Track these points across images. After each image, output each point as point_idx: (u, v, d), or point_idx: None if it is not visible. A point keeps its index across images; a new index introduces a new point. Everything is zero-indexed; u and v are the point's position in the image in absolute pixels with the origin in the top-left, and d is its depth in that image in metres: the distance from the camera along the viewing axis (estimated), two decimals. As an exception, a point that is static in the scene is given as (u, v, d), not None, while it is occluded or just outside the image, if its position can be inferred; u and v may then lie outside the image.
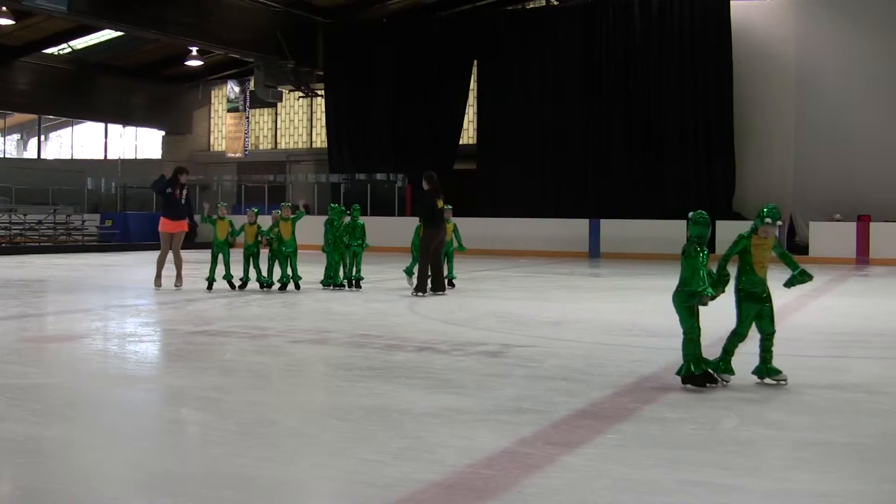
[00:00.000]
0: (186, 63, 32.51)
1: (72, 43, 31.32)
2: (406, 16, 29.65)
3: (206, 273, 12.95)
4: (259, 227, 13.01)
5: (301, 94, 32.03)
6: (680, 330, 6.00)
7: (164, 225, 13.16)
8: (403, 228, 14.31)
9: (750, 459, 4.40)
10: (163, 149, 36.70)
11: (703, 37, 25.02)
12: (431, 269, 12.58)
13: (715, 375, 6.02)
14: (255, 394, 5.96)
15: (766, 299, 6.10)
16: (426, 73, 28.44)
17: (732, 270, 6.08)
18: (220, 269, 13.02)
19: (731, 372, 6.10)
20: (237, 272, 13.10)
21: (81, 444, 4.70)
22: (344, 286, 13.41)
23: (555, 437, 4.77)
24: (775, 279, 6.25)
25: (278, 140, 35.14)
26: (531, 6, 29.32)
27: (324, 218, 13.96)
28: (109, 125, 36.81)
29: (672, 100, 25.32)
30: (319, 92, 31.42)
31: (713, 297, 5.83)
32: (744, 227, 6.44)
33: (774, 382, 6.10)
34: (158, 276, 13.22)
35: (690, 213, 6.08)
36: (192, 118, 36.30)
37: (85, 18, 24.79)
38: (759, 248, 6.04)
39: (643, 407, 5.50)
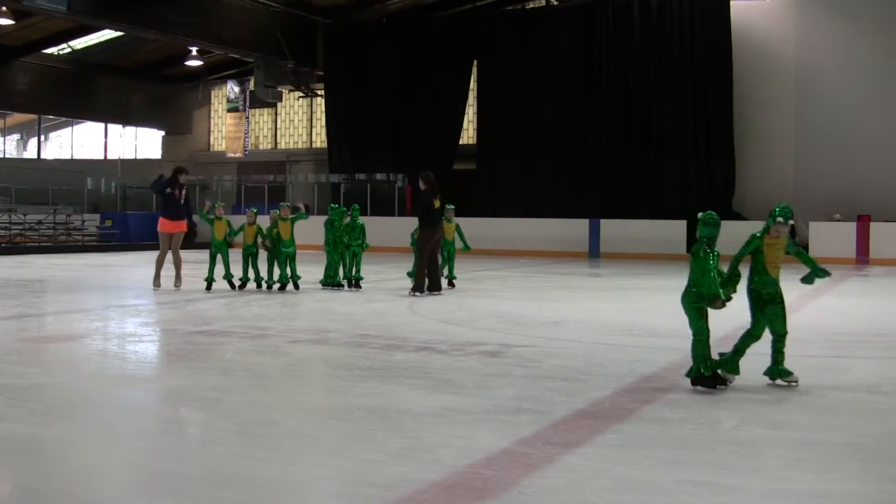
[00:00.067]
0: (186, 63, 32.51)
1: (72, 43, 31.32)
2: (406, 16, 29.65)
3: (206, 273, 12.94)
4: (259, 228, 13.00)
5: (301, 94, 32.03)
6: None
7: (163, 225, 13.15)
8: (403, 228, 14.31)
9: (750, 459, 4.40)
10: (163, 149, 36.70)
11: (703, 37, 25.03)
12: (428, 268, 12.59)
13: (725, 377, 5.98)
14: (255, 394, 5.96)
15: (779, 300, 6.06)
16: (426, 73, 28.44)
17: (744, 271, 6.04)
18: (220, 270, 13.02)
19: (737, 372, 6.06)
20: (237, 272, 13.10)
21: (81, 444, 4.70)
22: (343, 286, 13.41)
23: (554, 437, 4.77)
24: (785, 279, 6.22)
25: (278, 140, 35.14)
26: (531, 6, 29.32)
27: (324, 218, 13.97)
28: (109, 125, 36.81)
29: (672, 100, 25.32)
30: (319, 92, 31.43)
31: (727, 300, 5.79)
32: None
33: (786, 384, 6.06)
34: (157, 277, 13.22)
35: (700, 214, 6.02)
36: (192, 118, 36.30)
37: (84, 18, 24.79)
38: (772, 248, 5.99)
39: (643, 407, 5.50)
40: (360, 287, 13.40)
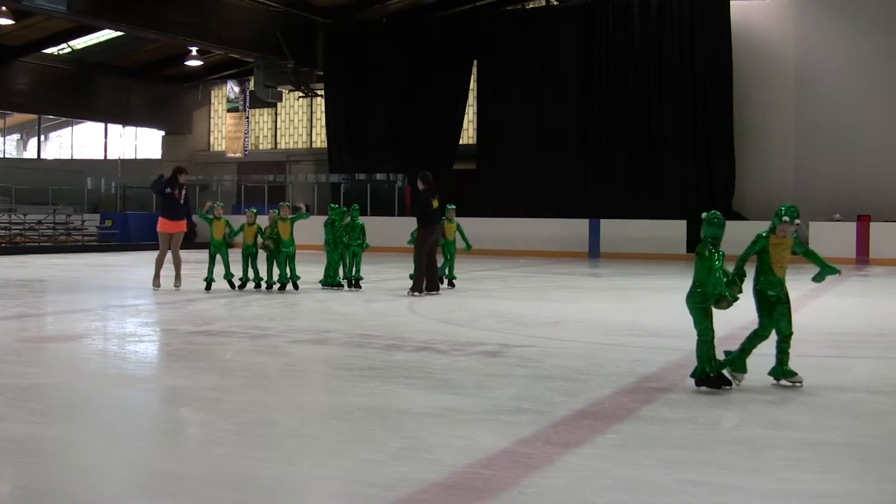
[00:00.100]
0: (186, 63, 32.51)
1: (72, 43, 31.32)
2: (406, 16, 29.65)
3: (206, 273, 12.93)
4: (258, 228, 13.00)
5: (301, 94, 32.03)
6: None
7: (163, 225, 13.15)
8: (403, 229, 14.31)
9: (750, 459, 4.40)
10: (163, 149, 36.71)
11: (703, 37, 25.02)
12: (426, 268, 12.60)
13: (729, 377, 5.95)
14: (255, 394, 5.96)
15: (785, 300, 6.02)
16: (426, 73, 28.44)
17: (750, 271, 6.01)
18: (219, 270, 13.01)
19: (744, 370, 6.04)
20: (237, 272, 13.09)
21: (81, 444, 4.70)
22: (343, 286, 13.41)
23: (554, 437, 4.77)
24: (790, 279, 6.19)
25: (278, 140, 35.14)
26: (531, 6, 29.32)
27: (324, 218, 13.96)
28: (109, 125, 36.81)
29: (672, 100, 25.31)
30: (319, 92, 31.43)
31: (733, 301, 5.76)
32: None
33: (790, 384, 6.04)
34: (157, 277, 13.21)
35: (704, 214, 5.98)
36: (192, 118, 36.30)
37: (84, 18, 24.78)
38: (778, 248, 5.96)
39: (643, 407, 5.50)
40: (360, 287, 13.40)
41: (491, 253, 23.95)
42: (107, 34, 30.23)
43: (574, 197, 26.15)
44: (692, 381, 5.95)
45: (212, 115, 36.38)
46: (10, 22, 26.84)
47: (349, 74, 29.50)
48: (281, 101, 32.59)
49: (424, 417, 5.18)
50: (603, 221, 24.84)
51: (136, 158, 37.09)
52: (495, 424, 5.03)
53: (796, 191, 24.16)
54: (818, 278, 6.21)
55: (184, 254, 13.73)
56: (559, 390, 6.00)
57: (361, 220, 13.61)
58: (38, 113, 35.98)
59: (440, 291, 12.86)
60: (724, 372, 5.98)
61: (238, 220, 13.67)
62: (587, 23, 26.42)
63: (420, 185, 12.85)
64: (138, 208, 31.48)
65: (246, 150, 33.97)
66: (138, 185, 32.05)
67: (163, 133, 36.75)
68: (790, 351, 6.07)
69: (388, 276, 16.08)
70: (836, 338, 8.75)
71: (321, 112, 32.13)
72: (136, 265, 19.19)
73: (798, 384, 6.04)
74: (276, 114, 34.95)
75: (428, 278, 12.66)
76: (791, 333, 6.05)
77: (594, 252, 24.63)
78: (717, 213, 5.96)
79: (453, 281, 13.95)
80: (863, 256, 21.82)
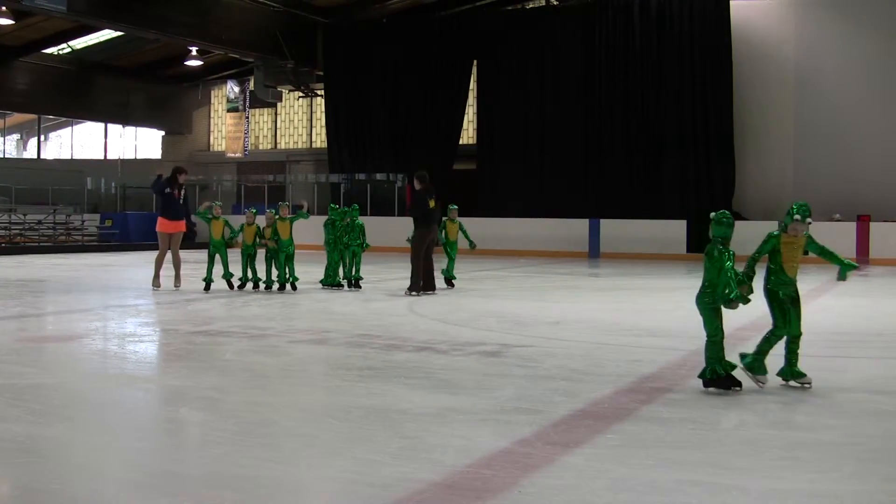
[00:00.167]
0: (186, 63, 32.51)
1: (71, 43, 31.32)
2: (406, 16, 29.65)
3: (205, 273, 12.93)
4: (258, 228, 13.00)
5: (301, 94, 32.03)
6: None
7: (162, 225, 13.15)
8: (403, 229, 14.31)
9: (749, 459, 4.40)
10: (162, 149, 36.71)
11: (703, 37, 25.01)
12: (423, 268, 12.61)
13: (753, 381, 5.88)
14: (254, 394, 5.96)
15: (796, 300, 5.97)
16: (426, 73, 28.44)
17: (760, 270, 5.97)
18: (218, 270, 13.00)
19: (764, 372, 5.97)
20: (235, 272, 13.09)
21: (81, 444, 4.70)
22: (343, 286, 13.41)
23: (554, 437, 4.77)
24: (800, 280, 6.15)
25: (278, 140, 35.14)
26: (531, 6, 29.31)
27: (324, 218, 13.96)
28: (109, 125, 36.82)
29: (672, 99, 25.31)
30: (319, 92, 31.42)
31: (745, 301, 5.69)
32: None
33: (799, 385, 5.99)
34: (157, 277, 13.21)
35: (713, 214, 5.93)
36: (192, 118, 36.31)
37: (84, 18, 24.78)
38: (789, 247, 5.90)
39: (643, 407, 5.50)
40: (360, 287, 13.40)
41: (491, 253, 23.95)
42: (107, 34, 30.23)
43: (574, 197, 26.14)
44: (699, 381, 5.89)
45: (212, 115, 36.39)
46: (10, 22, 26.84)
47: (349, 74, 29.50)
48: (281, 101, 32.59)
49: (424, 417, 5.18)
50: (603, 221, 24.84)
51: (136, 158, 37.10)
52: (495, 424, 5.03)
53: (796, 191, 24.15)
54: (842, 276, 6.08)
55: (183, 254, 13.73)
56: (559, 390, 6.00)
57: (361, 219, 13.61)
58: (38, 113, 35.98)
59: (436, 291, 12.86)
60: (748, 375, 5.90)
61: (238, 221, 13.66)
62: (587, 23, 26.40)
63: (417, 185, 12.86)
64: (138, 208, 31.48)
65: (246, 150, 33.98)
66: (138, 185, 32.06)
67: (163, 133, 36.76)
68: (799, 351, 6.02)
69: (387, 276, 16.08)
70: (836, 338, 8.75)
71: (321, 112, 32.13)
72: (136, 265, 19.19)
73: (807, 385, 5.98)
74: (276, 114, 34.95)
75: (424, 278, 12.66)
76: (800, 334, 6.00)
77: (594, 252, 24.63)
78: (726, 212, 5.90)
79: (452, 281, 13.95)
80: (863, 256, 21.82)
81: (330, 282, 13.42)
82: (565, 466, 4.22)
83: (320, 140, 33.12)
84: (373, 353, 7.52)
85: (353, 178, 29.99)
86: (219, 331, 8.92)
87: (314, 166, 32.95)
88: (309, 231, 18.52)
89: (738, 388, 5.84)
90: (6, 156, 37.86)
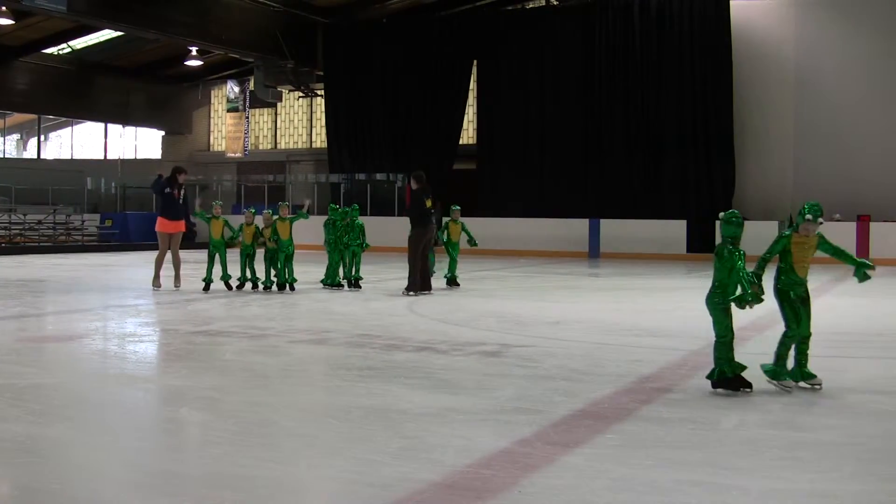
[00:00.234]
0: (186, 63, 32.50)
1: (71, 43, 31.32)
2: (406, 16, 29.64)
3: (205, 273, 12.92)
4: (256, 228, 13.00)
5: (301, 94, 32.02)
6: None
7: (162, 225, 13.15)
8: (403, 229, 14.31)
9: (749, 459, 4.40)
10: (162, 149, 36.71)
11: (703, 37, 25.00)
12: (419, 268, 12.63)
13: (779, 386, 5.83)
14: (254, 394, 5.96)
15: (807, 301, 5.93)
16: (426, 73, 28.44)
17: (769, 271, 5.93)
18: (217, 270, 12.98)
19: (788, 376, 5.89)
20: (234, 272, 13.08)
21: (81, 444, 4.70)
22: (343, 286, 13.41)
23: (554, 437, 4.77)
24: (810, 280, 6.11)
25: (278, 140, 35.14)
26: (531, 6, 29.31)
27: (324, 218, 13.96)
28: (109, 125, 36.81)
29: (672, 100, 25.30)
30: (319, 92, 31.42)
31: (758, 301, 5.63)
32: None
33: (809, 387, 5.94)
34: (157, 277, 13.21)
35: (722, 213, 5.89)
36: (192, 118, 36.31)
37: (84, 18, 24.77)
38: (800, 247, 5.85)
39: (643, 407, 5.49)
40: (360, 287, 13.40)
41: (491, 253, 23.95)
42: (107, 34, 30.23)
43: (574, 197, 26.13)
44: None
45: (212, 115, 36.38)
46: (10, 22, 26.84)
47: (349, 74, 29.49)
48: (281, 101, 32.58)
49: (424, 417, 5.18)
50: (603, 221, 24.84)
51: (136, 158, 37.10)
52: (495, 424, 5.03)
53: (796, 191, 24.16)
54: (859, 276, 5.98)
55: (183, 254, 13.73)
56: (559, 390, 6.00)
57: (361, 220, 13.61)
58: (38, 113, 35.98)
59: (432, 291, 12.86)
60: (773, 384, 5.85)
61: (238, 221, 13.65)
62: (587, 23, 26.39)
63: (413, 185, 12.88)
64: (138, 208, 31.48)
65: (246, 150, 33.98)
66: (138, 185, 32.06)
67: (163, 133, 36.75)
68: (808, 352, 5.98)
69: (387, 276, 16.08)
70: (836, 338, 8.74)
71: (321, 112, 32.13)
72: (136, 265, 19.19)
73: (817, 386, 5.94)
74: (276, 114, 34.95)
75: (421, 278, 12.68)
76: (810, 334, 5.95)
77: (594, 252, 24.63)
78: (736, 212, 5.86)
79: (457, 281, 13.91)
80: (863, 256, 21.78)
81: (330, 282, 13.42)
82: (565, 466, 4.22)
83: (320, 140, 33.12)
84: (373, 353, 7.52)
85: (353, 178, 29.99)
86: (219, 331, 8.92)
87: (314, 166, 32.95)
88: (309, 231, 18.52)
89: (748, 390, 5.80)
90: (6, 156, 37.86)
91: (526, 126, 27.16)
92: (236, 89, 33.82)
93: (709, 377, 5.88)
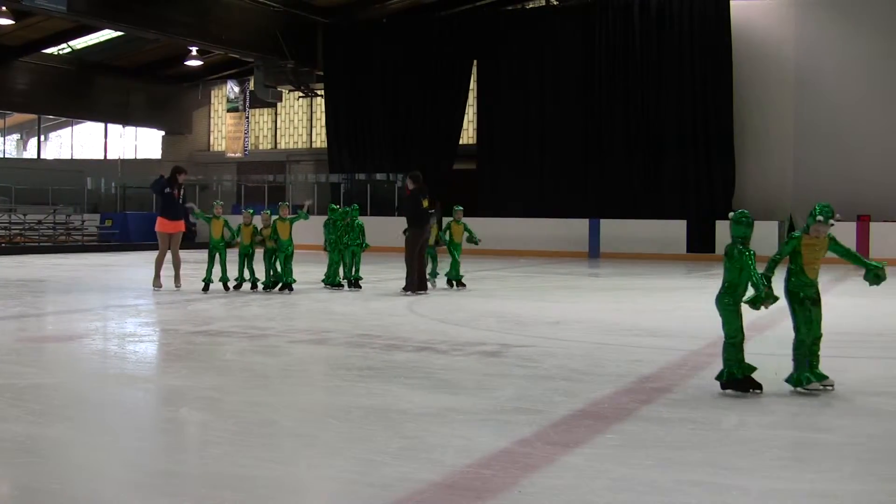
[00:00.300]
0: (186, 63, 32.50)
1: (72, 43, 31.32)
2: (406, 16, 29.65)
3: (205, 273, 12.92)
4: (255, 228, 12.99)
5: (301, 94, 32.03)
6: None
7: (162, 225, 13.15)
8: (403, 229, 14.30)
9: (749, 459, 4.40)
10: (162, 149, 36.71)
11: (703, 37, 25.00)
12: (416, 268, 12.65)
13: (758, 381, 5.81)
14: (254, 394, 5.96)
15: (818, 302, 5.90)
16: (426, 73, 28.44)
17: (780, 272, 5.90)
18: (217, 271, 12.96)
19: (817, 378, 5.84)
20: (234, 273, 13.08)
21: (81, 444, 4.70)
22: (343, 286, 13.41)
23: (554, 437, 4.77)
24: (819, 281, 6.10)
25: (278, 140, 35.14)
26: (531, 6, 29.31)
27: (324, 218, 13.95)
28: (109, 125, 36.81)
29: (672, 100, 25.30)
30: (319, 92, 31.42)
31: (773, 301, 5.59)
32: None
33: (822, 387, 5.90)
34: (157, 277, 13.20)
35: (731, 213, 5.86)
36: (192, 118, 36.31)
37: (84, 18, 24.78)
38: (811, 249, 5.81)
39: (643, 407, 5.49)
40: (360, 287, 13.40)
41: (491, 253, 23.94)
42: (107, 34, 30.23)
43: (574, 197, 26.13)
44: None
45: (212, 115, 36.39)
46: (10, 22, 26.84)
47: (349, 74, 29.50)
48: (281, 101, 32.58)
49: (424, 417, 5.18)
50: (603, 221, 24.84)
51: (136, 158, 37.10)
52: (495, 424, 5.03)
53: (796, 191, 24.17)
54: (870, 279, 5.92)
55: (183, 254, 13.73)
56: (559, 390, 6.00)
57: (361, 220, 13.61)
58: (38, 113, 35.98)
59: (428, 292, 12.86)
60: (804, 390, 5.79)
61: (238, 221, 13.64)
62: (587, 23, 26.39)
63: (410, 185, 12.89)
64: (138, 208, 31.48)
65: (246, 150, 33.98)
66: (138, 185, 32.06)
67: (163, 133, 36.75)
68: (820, 353, 5.95)
69: (387, 276, 16.08)
70: (835, 338, 8.73)
71: (321, 112, 32.13)
72: (136, 265, 19.19)
73: (829, 387, 5.89)
74: (276, 114, 34.95)
75: (417, 278, 12.69)
76: (821, 335, 5.93)
77: (594, 252, 24.63)
78: (745, 211, 5.83)
79: (461, 281, 13.87)
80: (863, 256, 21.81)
81: (331, 282, 13.42)
82: (565, 466, 4.22)
83: (320, 140, 33.12)
84: (373, 353, 7.52)
85: (353, 178, 29.99)
86: (219, 331, 8.92)
87: (314, 166, 32.95)
88: (309, 231, 18.52)
89: (757, 391, 5.78)
90: (6, 156, 37.86)
91: (526, 126, 27.16)
92: (236, 89, 33.83)
93: (717, 378, 5.86)
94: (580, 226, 24.94)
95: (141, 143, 37.69)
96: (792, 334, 5.99)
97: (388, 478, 4.00)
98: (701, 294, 13.72)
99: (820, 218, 5.73)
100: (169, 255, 13.14)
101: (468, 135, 29.86)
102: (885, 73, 23.81)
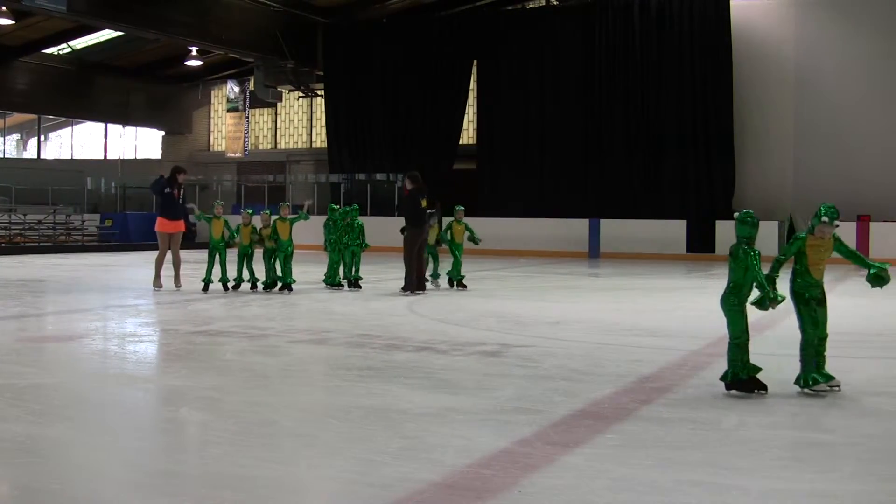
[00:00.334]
0: (186, 63, 32.51)
1: (72, 43, 31.33)
2: (406, 16, 29.65)
3: (205, 273, 12.92)
4: (254, 228, 12.99)
5: (301, 94, 32.03)
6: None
7: (162, 225, 13.15)
8: (401, 227, 14.31)
9: (749, 459, 4.40)
10: (162, 149, 36.72)
11: (703, 37, 25.01)
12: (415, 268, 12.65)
13: (763, 382, 5.79)
14: (254, 394, 5.96)
15: (823, 302, 5.88)
16: (426, 73, 28.45)
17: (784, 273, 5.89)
18: (217, 271, 12.96)
19: (827, 378, 5.84)
20: (233, 273, 13.07)
21: (81, 444, 4.70)
22: (343, 286, 13.41)
23: (554, 437, 4.76)
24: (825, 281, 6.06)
25: (278, 140, 35.15)
26: (531, 6, 29.31)
27: (324, 218, 13.95)
28: (109, 125, 36.82)
29: (672, 100, 25.31)
30: (319, 92, 31.43)
31: (780, 301, 5.57)
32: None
33: (828, 388, 5.89)
34: (157, 277, 13.20)
35: (736, 213, 5.84)
36: (192, 118, 36.31)
37: (84, 18, 24.78)
38: (815, 249, 5.80)
39: (643, 407, 5.49)
40: (360, 287, 13.40)
41: (491, 253, 23.93)
42: (107, 34, 30.23)
43: (574, 197, 26.14)
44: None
45: (212, 115, 36.39)
46: (10, 22, 26.85)
47: (349, 74, 29.50)
48: (281, 101, 32.59)
49: (424, 417, 5.18)
50: (603, 221, 24.84)
51: (136, 158, 37.11)
52: (495, 424, 5.03)
53: (796, 191, 24.18)
54: (872, 280, 5.92)
55: (183, 254, 13.72)
56: (559, 390, 5.99)
57: (361, 220, 13.61)
58: (38, 113, 35.99)
59: (426, 292, 12.86)
60: (814, 391, 5.79)
61: (235, 221, 13.65)
62: (587, 23, 26.40)
63: (409, 185, 12.90)
64: (138, 208, 31.49)
65: (246, 150, 33.99)
66: (138, 185, 32.07)
67: (163, 133, 36.76)
68: (826, 353, 5.94)
69: (387, 276, 16.07)
70: (836, 338, 8.69)
71: (321, 112, 32.14)
72: (136, 265, 19.19)
73: (836, 388, 5.88)
74: (276, 114, 34.96)
75: (416, 278, 12.69)
76: (827, 335, 5.92)
77: (594, 252, 24.63)
78: (750, 211, 5.82)
79: (462, 282, 13.87)
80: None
81: (331, 282, 13.42)
82: (565, 466, 4.22)
83: (320, 140, 33.13)
84: (373, 353, 7.51)
85: (353, 178, 29.99)
86: (219, 331, 8.92)
87: (314, 166, 32.95)
88: (309, 231, 18.52)
89: (762, 392, 5.77)
90: (6, 156, 37.87)
91: (526, 126, 27.16)
92: (236, 89, 33.83)
93: (722, 379, 5.84)
94: (580, 226, 24.94)
95: (141, 143, 37.70)
96: (793, 334, 5.99)
97: (388, 478, 4.00)
98: (701, 294, 13.73)
99: (825, 219, 5.71)
100: (169, 255, 13.14)
101: (468, 135, 29.87)
102: (885, 73, 23.81)
